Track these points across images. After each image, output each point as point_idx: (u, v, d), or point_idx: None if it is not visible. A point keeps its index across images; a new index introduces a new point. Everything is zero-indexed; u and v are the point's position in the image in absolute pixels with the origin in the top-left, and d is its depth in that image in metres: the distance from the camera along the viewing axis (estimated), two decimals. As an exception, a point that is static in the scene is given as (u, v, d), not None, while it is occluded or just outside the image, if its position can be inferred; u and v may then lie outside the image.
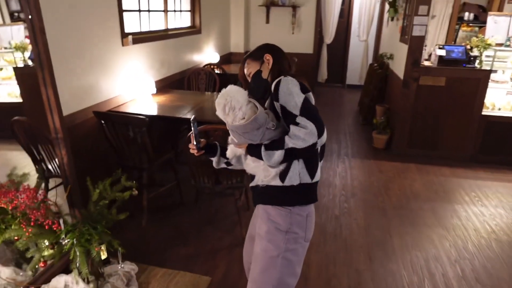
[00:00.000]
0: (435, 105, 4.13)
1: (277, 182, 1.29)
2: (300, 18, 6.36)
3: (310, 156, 1.30)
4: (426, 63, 4.16)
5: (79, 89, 2.57)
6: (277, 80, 1.25)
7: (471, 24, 5.42)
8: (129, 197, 1.91)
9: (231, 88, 1.22)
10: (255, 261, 1.41)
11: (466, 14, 5.52)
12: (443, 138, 4.23)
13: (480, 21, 5.44)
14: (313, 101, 1.29)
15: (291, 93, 1.20)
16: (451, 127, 4.17)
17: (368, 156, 4.37)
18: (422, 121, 4.21)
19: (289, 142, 1.18)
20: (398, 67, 4.55)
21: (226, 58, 6.03)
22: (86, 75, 2.64)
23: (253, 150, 1.26)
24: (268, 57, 1.40)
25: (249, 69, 1.42)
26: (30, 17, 1.71)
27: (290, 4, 6.19)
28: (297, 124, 1.18)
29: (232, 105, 1.18)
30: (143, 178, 2.71)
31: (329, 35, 6.93)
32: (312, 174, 1.30)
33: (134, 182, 1.90)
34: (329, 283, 2.28)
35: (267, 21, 6.43)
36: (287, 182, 1.28)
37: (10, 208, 1.59)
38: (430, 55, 4.36)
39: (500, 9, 5.49)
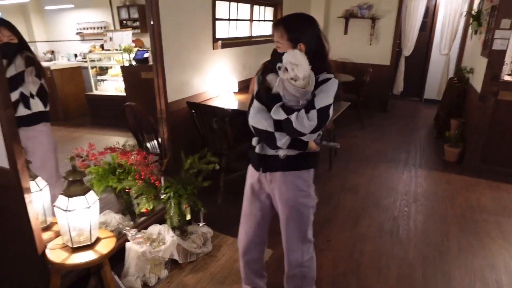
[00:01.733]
0: (514, 122, 4.00)
1: (294, 152, 1.59)
2: (379, 29, 6.47)
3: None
4: (507, 78, 4.06)
5: (178, 83, 3.11)
6: (328, 77, 1.50)
7: None
8: (211, 172, 2.33)
9: (303, 56, 1.42)
10: (288, 225, 1.72)
11: None
12: (521, 156, 4.06)
13: None
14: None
15: (328, 95, 1.47)
16: (531, 145, 3.99)
17: (437, 168, 4.36)
18: (499, 136, 4.10)
19: (293, 117, 1.45)
20: (478, 81, 4.47)
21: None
22: (184, 72, 3.18)
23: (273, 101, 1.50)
24: (301, 47, 1.49)
25: (279, 43, 1.51)
26: (152, 23, 2.23)
27: (370, 16, 6.34)
28: (308, 112, 1.45)
29: (298, 69, 1.39)
30: (222, 162, 3.15)
31: (408, 48, 6.91)
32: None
33: (217, 158, 2.32)
34: (380, 271, 2.46)
35: (345, 32, 6.64)
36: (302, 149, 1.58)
37: (128, 163, 2.10)
38: (513, 70, 4.23)
39: None
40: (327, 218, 3.11)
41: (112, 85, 4.22)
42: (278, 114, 1.48)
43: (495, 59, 3.89)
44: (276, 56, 1.50)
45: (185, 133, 3.25)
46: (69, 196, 1.58)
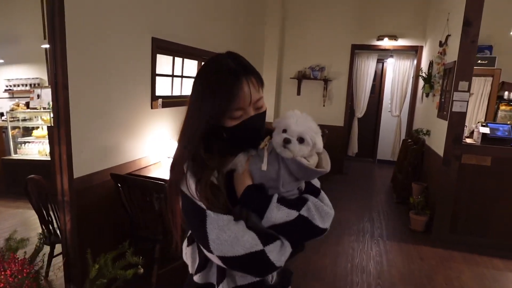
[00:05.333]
0: (480, 187, 3.75)
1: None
2: (332, 91, 6.36)
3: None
4: (468, 141, 3.88)
5: (100, 149, 2.47)
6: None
7: (511, 104, 5.19)
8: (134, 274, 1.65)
9: (311, 121, 0.99)
10: None
11: (506, 93, 5.33)
12: (492, 224, 3.77)
13: (521, 100, 5.21)
14: None
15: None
16: (501, 212, 3.73)
17: (405, 239, 3.92)
18: (467, 203, 3.81)
19: (310, 211, 0.96)
20: (437, 143, 4.28)
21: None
22: (110, 135, 2.55)
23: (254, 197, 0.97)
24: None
25: (261, 100, 1.03)
26: (54, 72, 1.65)
27: (322, 77, 6.24)
28: (317, 196, 1.02)
29: (319, 139, 0.96)
30: (155, 252, 2.44)
31: (360, 109, 6.85)
32: None
33: (142, 258, 1.65)
34: None
35: (298, 93, 6.46)
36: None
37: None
38: (471, 133, 4.09)
39: (542, 89, 5.26)
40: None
41: (36, 148, 3.49)
42: (282, 214, 0.93)
43: (456, 121, 3.71)
44: (256, 124, 1.01)
45: (109, 214, 2.54)
46: None
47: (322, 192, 1.04)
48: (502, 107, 5.14)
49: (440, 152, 3.97)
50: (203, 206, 0.91)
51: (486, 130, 3.76)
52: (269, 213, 0.91)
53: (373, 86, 7.14)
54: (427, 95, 5.08)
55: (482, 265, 3.41)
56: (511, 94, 5.34)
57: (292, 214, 0.93)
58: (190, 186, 0.94)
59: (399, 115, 6.89)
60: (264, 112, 1.02)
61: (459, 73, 3.62)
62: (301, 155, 0.93)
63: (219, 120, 0.97)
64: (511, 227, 3.71)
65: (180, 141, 1.00)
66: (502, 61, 4.73)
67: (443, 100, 4.22)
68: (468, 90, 3.62)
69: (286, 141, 0.91)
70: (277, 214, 0.92)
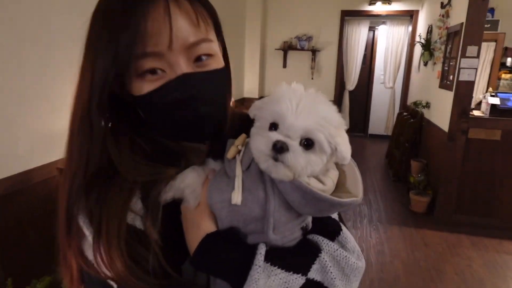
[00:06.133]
0: (489, 163, 3.40)
1: None
2: (320, 63, 5.88)
3: None
4: (476, 113, 3.50)
5: (44, 137, 1.97)
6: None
7: (514, 71, 4.82)
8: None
9: (324, 105, 0.56)
10: None
11: (509, 59, 4.94)
12: (500, 203, 3.44)
13: (524, 67, 4.84)
14: None
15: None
16: (509, 190, 3.40)
17: (406, 223, 3.59)
18: (474, 181, 3.46)
19: (318, 272, 0.54)
20: (439, 117, 3.89)
21: (239, 104, 5.50)
22: (56, 119, 2.05)
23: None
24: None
25: (205, 44, 0.57)
26: None
27: (310, 48, 5.74)
28: (334, 239, 0.59)
29: (326, 135, 0.52)
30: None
31: (351, 82, 6.42)
32: None
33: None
34: None
35: (284, 66, 5.97)
36: None
37: None
38: (478, 104, 3.71)
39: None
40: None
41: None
42: (276, 283, 0.51)
43: (463, 91, 3.30)
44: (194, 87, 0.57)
45: (46, 227, 2.07)
46: None
47: (344, 229, 0.61)
48: (502, 75, 4.77)
49: (444, 126, 3.59)
50: (113, 284, 0.50)
51: (495, 100, 3.37)
52: (251, 282, 0.48)
53: (364, 56, 6.68)
54: (425, 64, 4.65)
55: (492, 250, 3.10)
56: (514, 60, 4.96)
57: (294, 281, 0.50)
58: (84, 239, 0.53)
59: (393, 87, 6.49)
60: (217, 73, 0.59)
61: (467, 37, 3.19)
62: (310, 173, 0.51)
63: (123, 84, 0.56)
64: (521, 206, 3.40)
65: (70, 128, 0.58)
66: (505, 25, 4.30)
67: (446, 68, 3.80)
68: (478, 56, 3.20)
69: (279, 148, 0.49)
70: (267, 283, 0.49)
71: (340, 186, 0.54)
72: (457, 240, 3.25)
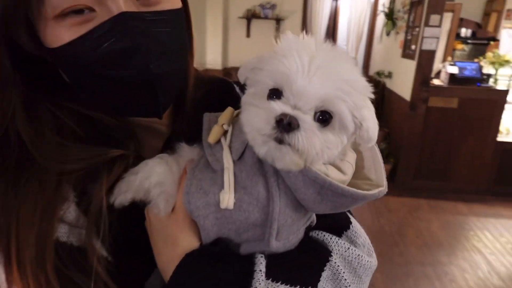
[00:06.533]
0: (446, 131, 3.55)
1: None
2: (285, 32, 5.77)
3: None
4: (436, 82, 3.61)
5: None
6: None
7: (469, 42, 5.00)
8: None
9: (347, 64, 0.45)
10: None
11: (463, 30, 5.11)
12: (456, 168, 3.64)
13: (477, 37, 5.03)
14: None
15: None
16: (465, 155, 3.59)
17: (370, 190, 3.71)
18: (432, 148, 3.62)
19: (329, 281, 0.46)
20: (401, 86, 3.98)
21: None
22: None
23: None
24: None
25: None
26: None
27: (274, 16, 5.60)
28: (342, 235, 0.52)
29: (350, 106, 0.42)
30: None
31: (315, 52, 6.39)
32: None
33: None
34: None
35: (248, 35, 5.81)
36: None
37: None
38: (437, 74, 3.82)
39: (496, 25, 5.11)
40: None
41: None
42: None
43: (425, 61, 3.37)
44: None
45: None
46: None
47: (354, 221, 0.54)
48: (457, 46, 4.94)
49: (405, 95, 3.68)
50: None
51: (454, 69, 3.48)
52: None
53: (327, 27, 6.65)
54: (388, 34, 4.70)
55: (448, 212, 3.29)
56: (468, 31, 5.14)
57: None
58: None
59: (356, 57, 6.55)
60: (172, 15, 0.44)
61: (431, 6, 3.22)
62: (326, 159, 0.40)
63: (33, 30, 0.40)
64: (473, 171, 3.61)
65: None
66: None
67: (409, 37, 3.85)
68: (440, 25, 3.25)
69: (286, 125, 0.37)
70: None
71: (356, 172, 0.45)
72: (417, 205, 3.41)
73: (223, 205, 0.39)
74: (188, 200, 0.40)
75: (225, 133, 0.43)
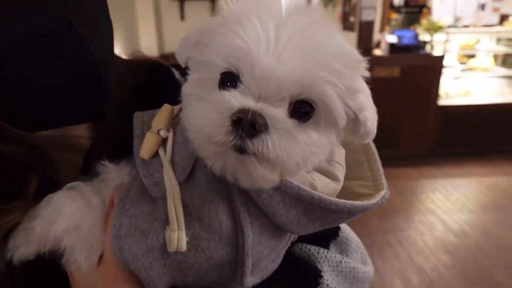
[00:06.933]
0: (391, 100, 3.62)
1: None
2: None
3: None
4: (378, 53, 3.65)
5: None
6: None
7: (402, 11, 5.14)
8: None
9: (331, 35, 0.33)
10: None
11: (396, 0, 5.25)
12: (403, 135, 3.75)
13: (409, 6, 5.19)
14: None
15: None
16: (411, 121, 3.71)
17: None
18: (381, 118, 3.62)
19: None
20: (343, 59, 3.99)
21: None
22: None
23: None
24: None
25: None
26: None
27: (207, -4, 5.35)
28: (329, 247, 0.44)
29: (340, 91, 0.33)
30: None
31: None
32: None
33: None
34: None
35: (182, 18, 5.50)
36: None
37: None
38: (377, 44, 3.87)
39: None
40: None
41: None
42: None
43: (365, 31, 3.38)
44: None
45: None
46: None
47: (344, 228, 0.46)
48: (392, 16, 5.07)
49: (350, 68, 3.69)
50: None
51: (393, 38, 3.54)
52: None
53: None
54: (325, 7, 4.67)
55: (400, 178, 3.40)
56: (401, 1, 5.27)
57: None
58: None
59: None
60: None
61: (367, -25, 3.20)
62: (311, 166, 0.31)
63: None
64: (419, 135, 3.75)
65: None
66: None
67: (346, 10, 3.84)
68: (377, -5, 3.26)
69: (248, 127, 0.24)
70: None
71: (345, 169, 0.36)
72: (371, 175, 3.48)
73: (171, 248, 0.27)
74: (118, 247, 0.27)
75: (164, 142, 0.30)
